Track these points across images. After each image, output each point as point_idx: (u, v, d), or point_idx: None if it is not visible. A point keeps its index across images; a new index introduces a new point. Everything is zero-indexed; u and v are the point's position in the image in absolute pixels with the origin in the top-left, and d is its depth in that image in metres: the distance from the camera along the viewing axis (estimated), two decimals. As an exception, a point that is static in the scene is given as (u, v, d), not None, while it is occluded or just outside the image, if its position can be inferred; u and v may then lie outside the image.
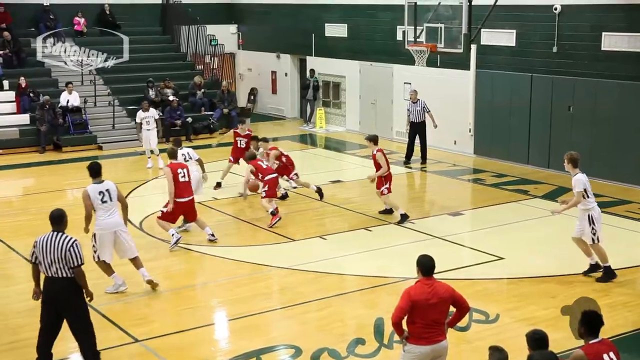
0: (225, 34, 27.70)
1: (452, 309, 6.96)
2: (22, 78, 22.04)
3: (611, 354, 6.03)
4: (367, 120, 23.27)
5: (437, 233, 13.09)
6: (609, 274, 10.73)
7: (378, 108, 22.75)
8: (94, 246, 10.29)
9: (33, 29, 24.45)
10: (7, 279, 11.32)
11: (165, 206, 12.31)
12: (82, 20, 25.37)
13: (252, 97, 28.16)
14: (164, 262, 11.93)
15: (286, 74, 26.89)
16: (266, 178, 13.76)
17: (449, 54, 18.94)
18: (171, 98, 23.05)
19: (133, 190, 16.32)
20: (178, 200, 12.17)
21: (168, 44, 26.85)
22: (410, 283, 7.10)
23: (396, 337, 7.36)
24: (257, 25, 27.81)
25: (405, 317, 6.80)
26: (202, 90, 24.23)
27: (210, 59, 26.65)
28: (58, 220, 7.92)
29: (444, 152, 20.06)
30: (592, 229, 10.56)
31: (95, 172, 10.21)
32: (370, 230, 13.31)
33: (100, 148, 21.47)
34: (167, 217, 12.34)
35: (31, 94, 22.01)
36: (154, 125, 18.53)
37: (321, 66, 24.79)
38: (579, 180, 10.52)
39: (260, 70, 27.80)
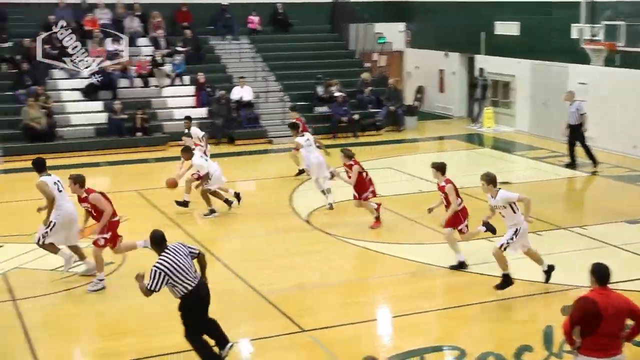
0: (393, 32, 27.76)
1: (629, 321, 6.62)
2: (201, 74, 23.20)
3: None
4: (539, 121, 22.52)
5: (613, 241, 12.45)
6: (507, 282, 10.20)
7: (550, 109, 21.95)
8: (46, 232, 10.73)
9: (211, 27, 25.67)
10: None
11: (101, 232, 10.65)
12: (257, 19, 26.32)
13: (419, 96, 28.04)
14: (329, 256, 12.15)
15: (454, 73, 26.56)
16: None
17: (631, 53, 17.95)
18: (337, 94, 23.41)
19: (300, 184, 16.72)
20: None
21: (337, 42, 27.29)
22: (583, 291, 6.81)
23: (567, 347, 7.08)
24: (425, 23, 27.64)
25: (578, 327, 6.55)
26: (370, 87, 24.44)
27: (378, 57, 26.82)
28: (163, 239, 7.93)
29: (621, 156, 19.05)
30: (512, 239, 10.09)
31: (42, 166, 10.89)
32: (540, 235, 12.89)
33: (270, 142, 22.19)
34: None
35: (208, 89, 23.12)
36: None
37: (490, 65, 24.26)
38: (507, 194, 10.11)
39: (428, 68, 27.63)
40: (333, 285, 10.98)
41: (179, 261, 7.71)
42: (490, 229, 10.74)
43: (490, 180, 10.15)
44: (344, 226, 13.50)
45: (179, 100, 23.03)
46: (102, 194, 10.61)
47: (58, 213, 10.76)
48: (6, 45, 23.11)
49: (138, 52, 24.11)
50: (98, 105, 22.17)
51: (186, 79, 23.60)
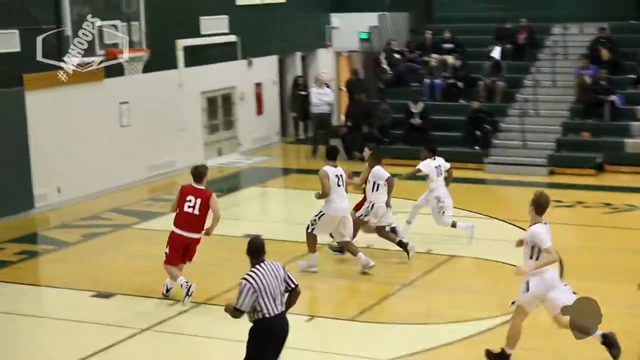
0: None
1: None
2: None
3: None
4: None
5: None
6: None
7: None
8: (315, 221, 12.04)
9: None
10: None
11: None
12: None
13: None
14: None
15: None
16: None
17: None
18: None
19: None
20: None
21: None
22: None
23: None
24: None
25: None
26: None
27: None
28: (262, 250, 7.77)
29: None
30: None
31: (334, 155, 12.20)
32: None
33: None
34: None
35: None
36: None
37: None
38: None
39: None
40: None
41: (270, 282, 7.58)
42: None
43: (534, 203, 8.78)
44: None
45: None
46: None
47: (329, 208, 12.02)
48: None
49: None
50: None
51: None
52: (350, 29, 23.51)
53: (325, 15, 24.52)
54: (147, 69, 15.95)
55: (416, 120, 20.10)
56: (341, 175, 12.10)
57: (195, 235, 10.92)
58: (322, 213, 12.10)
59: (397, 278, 11.35)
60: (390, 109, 20.61)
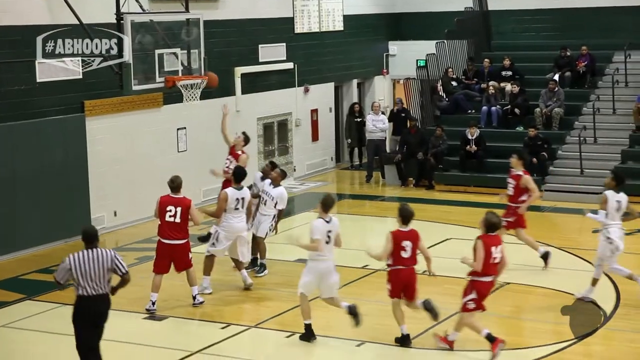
0: None
1: None
2: None
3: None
4: None
5: None
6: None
7: None
8: (213, 244, 12.39)
9: None
10: None
11: None
12: None
13: None
14: None
15: None
16: None
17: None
18: None
19: None
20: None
21: None
22: None
23: None
24: None
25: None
26: None
27: None
28: (94, 237, 8.76)
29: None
30: None
31: (238, 178, 12.37)
32: None
33: None
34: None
35: None
36: None
37: None
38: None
39: None
40: None
41: (89, 265, 8.55)
42: None
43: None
44: None
45: None
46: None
47: (225, 227, 12.31)
48: None
49: None
50: None
51: None
52: (407, 56, 23.56)
53: (383, 43, 24.60)
54: (205, 95, 16.08)
55: (472, 147, 19.97)
56: (243, 199, 12.35)
57: (179, 242, 11.78)
58: (217, 232, 12.45)
59: (449, 304, 11.20)
60: (446, 135, 20.48)
